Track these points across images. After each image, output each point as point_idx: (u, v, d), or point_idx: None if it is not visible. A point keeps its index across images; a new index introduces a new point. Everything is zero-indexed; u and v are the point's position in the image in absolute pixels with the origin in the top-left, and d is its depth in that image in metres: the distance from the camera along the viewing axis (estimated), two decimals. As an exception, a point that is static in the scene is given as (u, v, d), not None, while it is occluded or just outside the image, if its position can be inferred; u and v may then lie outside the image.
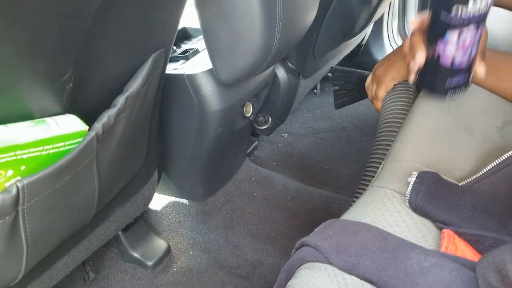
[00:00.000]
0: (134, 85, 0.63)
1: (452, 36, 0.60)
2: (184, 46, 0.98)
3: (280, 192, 1.21)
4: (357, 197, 0.97)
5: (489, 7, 0.59)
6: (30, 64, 0.44)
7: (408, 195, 0.62)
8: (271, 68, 0.99)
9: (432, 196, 0.61)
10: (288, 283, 0.57)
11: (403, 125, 0.77)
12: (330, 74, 1.43)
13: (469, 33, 0.59)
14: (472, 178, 0.64)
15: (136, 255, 1.05)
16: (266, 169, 1.27)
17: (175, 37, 0.71)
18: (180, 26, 0.88)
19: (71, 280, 1.03)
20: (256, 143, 1.36)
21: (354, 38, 1.33)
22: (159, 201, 1.15)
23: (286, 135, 1.48)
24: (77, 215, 0.70)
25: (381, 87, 0.90)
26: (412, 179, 0.63)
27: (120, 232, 1.04)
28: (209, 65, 0.86)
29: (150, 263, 1.05)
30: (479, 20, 0.58)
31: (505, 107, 0.81)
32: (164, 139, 0.96)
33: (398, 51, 0.89)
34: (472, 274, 0.51)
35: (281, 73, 1.09)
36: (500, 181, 0.62)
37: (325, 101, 1.64)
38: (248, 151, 1.32)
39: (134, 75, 0.64)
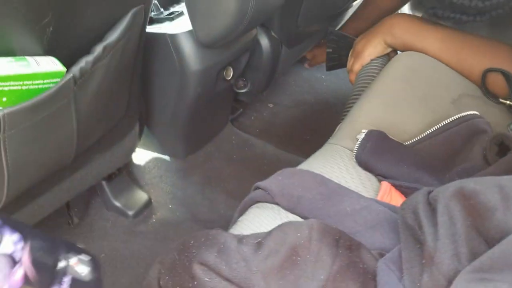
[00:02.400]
0: (113, 36, 0.69)
1: None
2: (171, 9, 1.04)
3: (258, 156, 1.27)
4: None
5: None
6: (8, 2, 0.50)
7: (356, 150, 0.68)
8: (252, 35, 1.04)
9: (377, 152, 0.67)
10: (238, 219, 0.64)
11: (364, 92, 0.83)
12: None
13: None
14: (416, 139, 0.70)
15: (118, 204, 1.12)
16: (247, 135, 1.33)
17: (154, -5, 0.76)
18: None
19: (56, 225, 1.11)
20: (241, 110, 1.42)
21: (343, 12, 1.37)
22: (142, 156, 1.21)
23: (272, 105, 1.54)
24: (57, 153, 0.76)
25: (357, 61, 0.95)
26: (361, 136, 0.69)
27: (104, 182, 1.11)
28: (190, 27, 0.92)
29: (131, 213, 1.12)
30: None
31: (463, 81, 0.86)
32: (147, 96, 1.02)
33: (378, 26, 0.93)
34: (396, 216, 0.57)
35: (264, 41, 1.14)
36: (440, 142, 0.68)
37: (313, 76, 1.69)
38: (233, 117, 1.38)
39: (113, 27, 0.70)
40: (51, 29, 0.59)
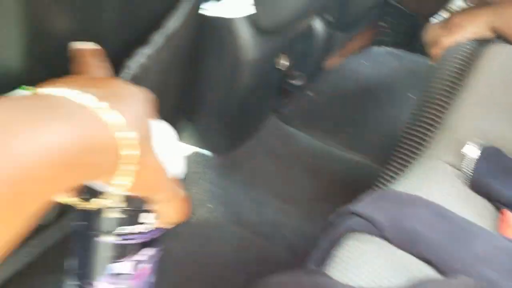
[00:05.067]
0: (172, 21, 0.56)
1: None
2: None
3: (304, 152, 1.16)
4: (392, 167, 0.92)
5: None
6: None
7: (469, 171, 0.57)
8: (311, 18, 0.92)
9: (494, 174, 0.56)
10: (333, 253, 0.54)
11: (460, 91, 0.71)
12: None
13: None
14: (538, 157, 0.59)
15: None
16: (291, 128, 1.22)
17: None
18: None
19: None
20: (281, 100, 1.30)
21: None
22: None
23: (311, 93, 1.41)
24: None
25: (452, 35, 0.82)
26: (472, 154, 0.58)
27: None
28: (247, 9, 0.79)
29: (167, 213, 1.02)
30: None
31: None
32: (192, 86, 0.90)
33: (488, 6, 0.81)
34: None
35: (317, 25, 1.01)
36: None
37: (353, 60, 1.55)
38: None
39: (172, 11, 0.58)
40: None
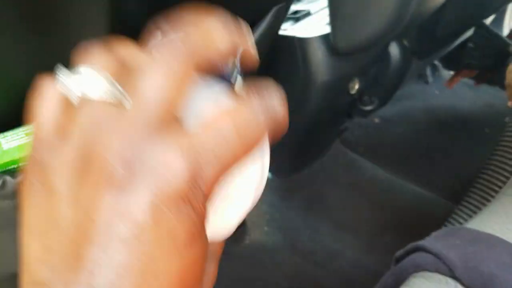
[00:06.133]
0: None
1: None
2: (294, 7, 0.90)
3: (367, 181, 1.11)
4: (467, 205, 0.86)
5: None
6: None
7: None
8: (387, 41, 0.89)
9: None
10: (398, 291, 0.49)
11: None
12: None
13: None
14: None
15: (209, 220, 1.01)
16: (354, 154, 1.18)
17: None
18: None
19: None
20: (346, 123, 1.26)
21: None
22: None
23: (378, 120, 1.37)
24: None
25: None
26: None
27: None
28: (322, 31, 0.78)
29: (222, 231, 1.01)
30: None
31: None
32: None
33: None
34: None
35: (393, 50, 0.97)
36: None
37: (426, 90, 1.49)
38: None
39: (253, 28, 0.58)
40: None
